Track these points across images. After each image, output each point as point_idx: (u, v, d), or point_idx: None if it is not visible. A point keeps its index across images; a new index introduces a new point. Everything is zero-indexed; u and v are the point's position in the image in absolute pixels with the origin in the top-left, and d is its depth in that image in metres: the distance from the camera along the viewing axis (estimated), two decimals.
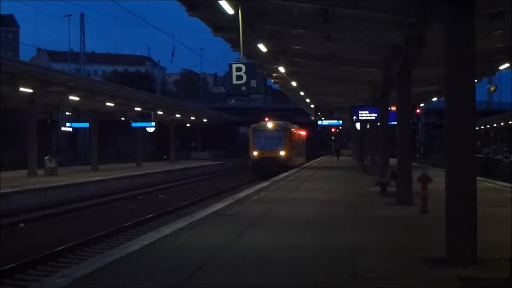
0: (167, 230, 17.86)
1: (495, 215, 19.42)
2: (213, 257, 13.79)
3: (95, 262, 13.27)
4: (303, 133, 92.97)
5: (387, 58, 27.75)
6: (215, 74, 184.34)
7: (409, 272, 11.93)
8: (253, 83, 21.53)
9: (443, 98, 41.47)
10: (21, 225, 28.18)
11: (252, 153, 68.85)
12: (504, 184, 36.63)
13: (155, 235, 16.91)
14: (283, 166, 64.41)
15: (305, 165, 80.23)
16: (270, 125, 71.47)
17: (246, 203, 26.47)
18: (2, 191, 34.05)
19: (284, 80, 46.34)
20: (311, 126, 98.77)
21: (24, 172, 50.47)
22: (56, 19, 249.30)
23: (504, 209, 22.08)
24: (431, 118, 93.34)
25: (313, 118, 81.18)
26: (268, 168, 63.99)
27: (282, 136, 69.92)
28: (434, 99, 56.13)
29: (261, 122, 76.24)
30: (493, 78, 65.17)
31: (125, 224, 27.04)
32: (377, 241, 15.81)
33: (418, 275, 11.72)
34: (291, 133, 72.04)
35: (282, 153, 67.32)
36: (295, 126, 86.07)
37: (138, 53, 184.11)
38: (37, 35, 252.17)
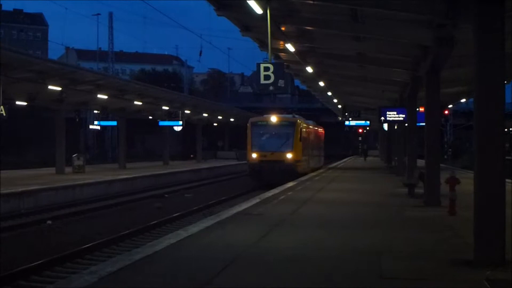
0: (194, 229, 17.85)
1: None
2: (239, 256, 13.77)
3: (122, 260, 13.28)
4: (319, 129, 72.55)
5: (415, 58, 27.56)
6: (242, 74, 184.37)
7: (436, 274, 11.83)
8: (281, 83, 21.33)
9: (471, 100, 41.56)
10: (49, 222, 28.34)
11: (251, 155, 51.05)
12: None
13: (182, 233, 16.91)
14: (290, 172, 47.00)
15: (333, 165, 75.37)
16: (273, 119, 52.40)
17: (272, 202, 26.45)
18: (31, 188, 34.29)
19: (311, 80, 46.19)
20: (338, 126, 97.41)
21: (52, 170, 50.73)
22: (85, 18, 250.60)
23: None
24: (460, 120, 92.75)
25: (340, 118, 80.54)
26: (271, 175, 47.10)
27: (290, 134, 51.12)
28: (463, 100, 55.68)
29: (263, 116, 58.14)
30: None
31: (152, 223, 27.10)
32: (404, 242, 15.73)
33: (445, 277, 11.62)
34: (301, 130, 53.08)
35: (289, 155, 49.35)
36: (310, 122, 67.23)
37: (166, 52, 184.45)
38: (65, 33, 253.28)
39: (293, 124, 51.19)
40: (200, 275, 11.76)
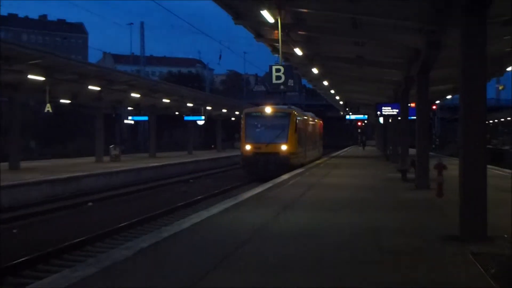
0: (214, 210, 17.84)
1: (503, 199, 19.21)
2: (255, 233, 13.78)
3: (153, 236, 13.30)
4: (317, 121, 63.75)
5: (408, 60, 27.61)
6: (256, 75, 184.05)
7: (427, 248, 11.86)
8: (290, 82, 21.41)
9: (456, 96, 41.39)
10: (90, 204, 28.47)
11: (244, 147, 43.14)
12: (511, 171, 36.46)
13: (205, 214, 16.92)
14: (284, 165, 40.13)
15: (335, 154, 73.93)
16: (268, 110, 44.31)
17: (283, 187, 26.45)
18: (74, 174, 34.37)
19: (317, 79, 46.14)
20: (340, 120, 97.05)
21: (92, 159, 50.88)
22: (120, 27, 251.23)
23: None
24: (446, 113, 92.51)
25: (342, 113, 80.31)
26: (265, 167, 40.36)
27: (285, 125, 43.16)
28: (449, 96, 55.53)
29: (258, 107, 49.96)
30: (501, 78, 64.78)
31: (178, 204, 27.13)
32: (399, 221, 15.74)
33: (435, 251, 11.63)
34: (297, 121, 44.60)
35: (283, 147, 41.73)
36: (310, 114, 60.25)
37: (190, 56, 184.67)
38: (103, 40, 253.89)
39: (288, 116, 42.93)
40: (222, 249, 11.81)
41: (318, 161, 51.79)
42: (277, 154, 40.29)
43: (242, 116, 44.45)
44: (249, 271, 10.03)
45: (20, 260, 15.27)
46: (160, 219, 23.43)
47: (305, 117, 50.66)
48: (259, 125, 42.77)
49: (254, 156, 40.63)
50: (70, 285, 8.89)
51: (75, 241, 17.89)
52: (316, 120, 61.53)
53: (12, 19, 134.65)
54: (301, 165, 42.27)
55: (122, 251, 11.51)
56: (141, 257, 11.10)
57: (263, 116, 43.20)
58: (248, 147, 41.08)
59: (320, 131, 66.08)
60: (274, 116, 42.97)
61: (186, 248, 12.18)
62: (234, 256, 11.24)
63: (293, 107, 48.97)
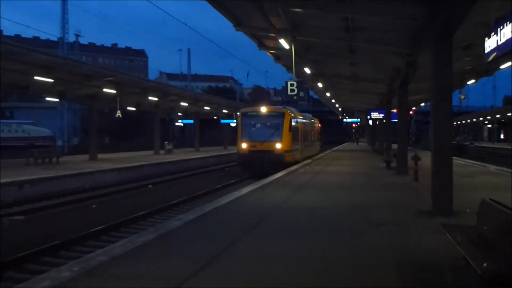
0: (244, 191, 17.91)
1: (465, 183, 19.13)
2: (275, 208, 13.85)
3: (198, 211, 13.34)
4: (313, 121, 53.57)
5: (391, 77, 27.67)
6: (275, 88, 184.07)
7: (407, 221, 11.82)
8: (301, 94, 21.56)
9: (428, 104, 40.95)
10: (150, 186, 28.58)
11: (240, 145, 36.38)
12: (471, 161, 36.68)
13: (237, 194, 16.97)
14: (278, 162, 33.25)
15: (335, 148, 71.89)
16: (263, 109, 37.64)
17: (296, 173, 26.44)
18: (138, 163, 34.56)
19: (321, 91, 46.03)
20: (339, 122, 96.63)
21: (151, 152, 51.08)
22: (172, 52, 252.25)
23: (472, 179, 21.95)
24: (420, 117, 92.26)
25: (340, 117, 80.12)
26: (260, 164, 33.72)
27: (279, 124, 36.24)
28: (422, 104, 55.26)
29: (253, 107, 42.04)
30: (462, 90, 64.67)
31: (217, 186, 27.12)
32: (383, 200, 15.67)
33: (413, 222, 11.63)
34: (291, 121, 37.10)
35: (278, 145, 34.82)
36: (307, 114, 51.25)
37: (225, 74, 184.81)
38: (159, 62, 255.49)
39: (282, 115, 35.21)
40: (252, 218, 11.87)
41: (321, 154, 49.85)
42: (271, 152, 32.75)
43: (238, 115, 36.80)
44: (272, 234, 10.11)
45: (101, 227, 15.37)
46: (203, 197, 23.42)
47: (301, 117, 41.67)
48: (254, 124, 35.47)
49: (249, 154, 33.07)
50: (136, 247, 8.95)
51: (139, 213, 18.00)
52: (313, 120, 51.77)
53: (91, 46, 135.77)
54: (296, 162, 34.50)
55: (174, 222, 11.59)
56: (190, 226, 11.16)
57: (258, 115, 35.54)
58: (244, 145, 33.61)
59: (318, 130, 56.36)
60: (269, 115, 35.35)
61: (224, 219, 12.26)
62: (261, 224, 11.32)
63: (288, 107, 40.27)
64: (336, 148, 73.04)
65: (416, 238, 9.86)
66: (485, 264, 5.60)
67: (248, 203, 14.93)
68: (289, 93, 21.28)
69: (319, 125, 58.67)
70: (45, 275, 7.21)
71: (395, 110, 32.67)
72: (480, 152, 66.94)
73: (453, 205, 12.45)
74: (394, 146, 31.70)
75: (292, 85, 21.17)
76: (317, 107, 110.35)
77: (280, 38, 19.08)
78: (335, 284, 7.11)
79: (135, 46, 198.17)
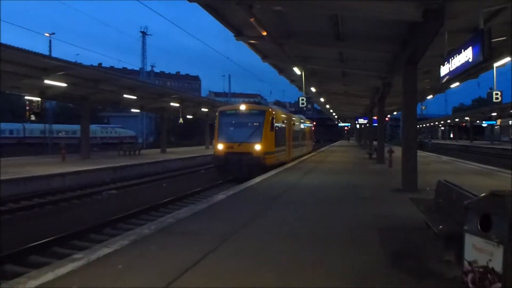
0: (266, 175, 17.91)
1: (425, 169, 18.85)
2: (291, 186, 13.78)
3: (237, 188, 13.39)
4: (303, 121, 38.21)
5: (372, 93, 27.39)
6: (290, 102, 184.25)
7: (384, 195, 11.70)
8: (309, 106, 21.63)
9: (399, 112, 40.47)
10: (202, 171, 28.51)
11: (216, 146, 23.52)
12: (429, 154, 36.08)
13: (263, 177, 16.99)
14: (258, 165, 21.81)
15: (332, 144, 71.88)
16: (242, 107, 24.53)
17: (304, 162, 26.34)
18: (192, 155, 34.72)
19: (322, 104, 45.72)
20: (335, 126, 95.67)
21: (202, 147, 51.27)
22: (218, 76, 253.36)
23: (429, 166, 21.65)
24: (393, 122, 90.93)
25: (336, 122, 79.57)
26: (237, 168, 22.38)
27: (259, 124, 23.18)
28: (395, 113, 54.65)
29: (232, 104, 31.18)
30: (424, 102, 64.28)
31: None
32: (367, 181, 15.51)
33: (389, 196, 11.50)
34: (273, 120, 23.53)
35: (257, 147, 22.37)
36: (299, 116, 37.33)
37: (254, 92, 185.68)
38: (209, 84, 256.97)
39: (262, 114, 23.95)
40: (274, 193, 11.86)
41: (314, 152, 45.16)
42: (250, 154, 22.16)
43: (216, 114, 25.03)
44: (289, 205, 10.07)
45: (169, 199, 15.22)
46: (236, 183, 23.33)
47: (287, 116, 28.38)
48: (232, 124, 24.19)
49: (226, 156, 22.44)
50: (194, 213, 9.01)
51: (195, 190, 18.04)
52: (303, 121, 37.96)
53: (162, 74, 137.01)
54: (281, 164, 24.24)
55: (220, 196, 11.63)
56: (231, 199, 11.20)
57: (237, 114, 24.16)
58: (220, 146, 22.82)
59: (309, 130, 42.67)
60: (248, 114, 23.87)
61: (255, 194, 12.23)
62: (281, 198, 11.29)
63: (272, 105, 31.07)
64: (332, 144, 72.67)
65: (390, 207, 9.77)
66: (440, 226, 5.57)
67: (271, 183, 14.89)
68: (300, 105, 21.37)
69: (312, 126, 46.22)
70: (131, 232, 7.32)
71: (375, 117, 32.40)
72: (435, 147, 66.26)
73: (417, 184, 12.30)
74: (375, 143, 31.40)
75: (302, 100, 21.24)
76: (319, 115, 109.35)
77: (294, 67, 19.05)
78: (330, 233, 7.14)
79: (192, 72, 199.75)
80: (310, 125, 43.01)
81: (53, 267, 5.31)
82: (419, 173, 12.77)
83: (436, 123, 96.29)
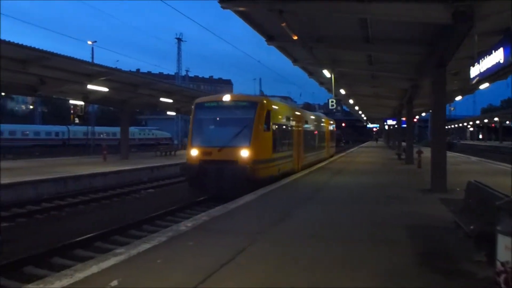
0: (299, 174, 17.84)
1: (454, 169, 18.41)
2: (323, 185, 13.70)
3: (274, 185, 13.38)
4: (320, 120, 27.89)
5: (401, 94, 26.89)
6: (319, 104, 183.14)
7: (413, 196, 11.47)
8: (338, 108, 21.52)
9: (427, 114, 39.64)
10: None
11: (189, 152, 14.51)
12: (458, 154, 35.19)
13: (293, 177, 16.93)
14: (245, 178, 13.39)
15: (361, 145, 71.27)
16: (226, 98, 14.89)
17: (334, 162, 26.12)
18: None
19: (351, 105, 45.17)
20: (364, 128, 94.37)
21: None
22: (249, 80, 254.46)
23: (459, 166, 21.14)
24: (421, 123, 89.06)
25: (365, 123, 78.56)
26: (216, 182, 13.68)
27: (250, 120, 14.12)
28: (423, 114, 53.49)
29: (214, 95, 17.59)
30: (452, 104, 62.81)
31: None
32: (396, 181, 15.29)
33: (417, 197, 11.27)
34: (270, 115, 14.89)
35: (244, 153, 13.67)
36: (318, 113, 31.83)
37: (284, 95, 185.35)
38: (241, 88, 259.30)
39: (253, 107, 14.62)
40: (308, 192, 11.81)
41: (352, 149, 46.59)
42: (234, 163, 14.13)
43: (192, 108, 16.19)
44: (319, 204, 10.02)
45: (202, 198, 14.87)
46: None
47: (294, 112, 19.84)
48: (211, 121, 15.80)
49: (201, 165, 14.40)
50: (228, 211, 9.06)
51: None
52: (322, 119, 29.16)
53: (196, 78, 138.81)
54: (285, 175, 16.64)
55: (251, 196, 11.58)
56: (260, 198, 11.21)
57: (218, 107, 15.62)
58: (194, 152, 14.80)
59: (330, 130, 32.63)
60: (234, 107, 15.37)
61: (288, 193, 12.20)
62: (311, 198, 11.22)
63: (269, 97, 18.98)
64: (361, 145, 71.65)
65: (419, 207, 9.57)
66: (472, 227, 5.42)
67: (304, 182, 14.84)
68: (330, 107, 21.30)
69: (333, 126, 35.83)
70: (169, 228, 7.43)
71: (404, 118, 31.88)
72: (464, 148, 64.56)
73: (446, 185, 12.01)
74: (403, 144, 30.90)
75: (332, 101, 21.18)
76: (348, 117, 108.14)
77: (324, 70, 18.92)
78: (360, 232, 7.06)
79: (225, 77, 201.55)
80: (331, 123, 33.54)
81: (97, 260, 5.46)
82: (448, 173, 12.47)
83: (465, 124, 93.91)
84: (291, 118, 18.79)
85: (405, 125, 28.90)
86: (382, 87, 25.67)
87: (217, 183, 13.96)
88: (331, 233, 7.13)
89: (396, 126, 39.58)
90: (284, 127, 17.43)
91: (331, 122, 33.91)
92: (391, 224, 7.81)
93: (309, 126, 23.28)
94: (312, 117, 25.45)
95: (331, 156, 31.82)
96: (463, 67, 14.67)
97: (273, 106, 16.06)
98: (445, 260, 5.63)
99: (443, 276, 5.04)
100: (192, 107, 15.88)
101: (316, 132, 25.57)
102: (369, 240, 6.68)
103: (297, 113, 20.40)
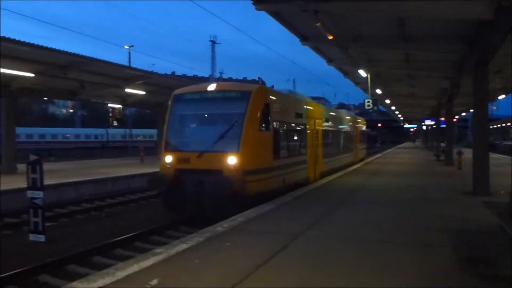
0: (334, 176, 17.69)
1: (497, 171, 17.78)
2: (358, 186, 13.58)
3: (312, 186, 13.34)
4: (348, 117, 24.31)
5: (440, 94, 26.30)
6: (354, 104, 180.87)
7: (454, 198, 11.20)
8: (374, 108, 21.24)
9: (468, 113, 38.64)
10: None
11: (163, 158, 10.72)
12: (501, 155, 34.12)
13: (330, 178, 16.81)
14: (232, 194, 9.58)
15: (399, 146, 70.12)
16: (211, 87, 10.88)
17: (371, 163, 25.76)
18: None
19: (388, 105, 44.42)
20: (401, 128, 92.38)
21: None
22: (283, 81, 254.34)
23: (502, 168, 20.40)
24: (461, 123, 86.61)
25: (401, 124, 77.05)
26: (195, 199, 10.09)
27: (240, 116, 10.18)
28: (463, 113, 52.04)
29: (194, 85, 13.12)
30: (494, 103, 61.03)
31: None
32: (435, 183, 14.96)
33: (458, 200, 10.97)
34: (269, 109, 10.85)
35: (231, 160, 9.84)
36: (342, 111, 24.78)
37: (319, 95, 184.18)
38: (275, 88, 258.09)
39: (245, 98, 10.42)
40: (343, 194, 11.72)
41: (389, 150, 45.99)
42: (217, 173, 10.05)
43: (169, 103, 11.72)
44: (357, 206, 9.96)
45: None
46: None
47: (306, 106, 15.09)
48: (191, 118, 11.55)
49: (177, 176, 10.55)
50: (263, 213, 9.08)
51: None
52: (349, 117, 24.95)
53: (230, 80, 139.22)
54: (295, 187, 12.83)
55: (287, 197, 11.51)
56: (295, 200, 11.18)
57: (201, 100, 11.15)
58: (168, 158, 10.80)
59: (359, 129, 27.79)
60: (221, 100, 10.93)
61: (323, 194, 12.13)
62: (348, 199, 11.15)
63: (285, 91, 14.44)
64: (398, 146, 70.31)
65: (461, 210, 9.31)
66: None
67: (338, 184, 14.72)
68: (366, 107, 21.11)
69: (363, 125, 30.90)
70: (206, 229, 7.53)
71: (443, 118, 31.13)
72: (507, 149, 62.34)
73: (489, 187, 11.65)
74: (442, 144, 30.13)
75: (368, 101, 21.00)
76: (384, 117, 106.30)
77: (359, 69, 18.72)
78: (399, 235, 6.93)
79: (258, 78, 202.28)
80: (360, 122, 29.20)
81: (137, 260, 5.61)
82: (491, 175, 12.09)
83: (508, 123, 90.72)
84: (304, 114, 14.70)
85: (444, 125, 28.19)
86: (420, 86, 25.15)
87: (195, 200, 10.39)
88: (369, 235, 7.05)
89: (434, 126, 38.63)
90: (293, 125, 13.64)
91: (360, 120, 28.99)
92: (432, 227, 7.63)
93: (331, 125, 19.32)
94: (335, 114, 21.06)
95: (361, 160, 27.69)
96: (506, 65, 14.19)
97: (274, 98, 11.91)
98: (487, 265, 5.47)
99: (485, 281, 4.90)
100: (169, 101, 11.84)
101: (341, 131, 21.54)
102: (409, 243, 6.56)
103: (312, 108, 16.18)
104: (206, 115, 11.48)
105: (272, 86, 12.59)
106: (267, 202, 10.34)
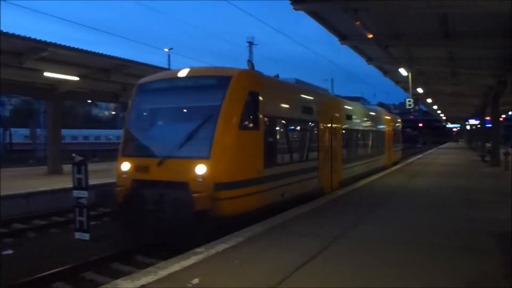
0: (373, 177, 17.40)
1: None
2: (398, 188, 13.34)
3: (343, 190, 13.16)
4: (379, 116, 21.05)
5: (485, 92, 25.42)
6: (393, 104, 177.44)
7: (501, 200, 10.80)
8: (415, 107, 20.85)
9: None
10: None
11: (119, 166, 7.96)
12: None
13: (370, 179, 16.56)
14: (203, 217, 6.87)
15: (441, 146, 67.76)
16: (182, 73, 7.92)
17: (412, 164, 25.21)
18: None
19: (429, 104, 43.22)
20: (443, 128, 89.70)
21: None
22: (321, 81, 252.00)
23: None
24: (507, 122, 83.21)
25: (444, 123, 74.86)
26: (154, 220, 7.14)
27: (213, 110, 7.43)
28: (510, 112, 50.00)
29: (164, 72, 10.27)
30: None
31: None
32: (481, 184, 14.52)
33: (501, 202, 10.54)
34: (258, 100, 7.88)
35: (200, 169, 7.14)
36: (375, 107, 23.37)
37: (358, 95, 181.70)
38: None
39: (223, 84, 7.59)
40: (383, 195, 11.54)
41: (431, 150, 44.81)
42: (182, 187, 7.33)
43: (132, 94, 9.04)
44: (398, 207, 9.78)
45: None
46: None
47: (319, 98, 11.80)
48: (154, 114, 8.74)
49: (133, 190, 7.81)
50: (299, 214, 9.06)
51: None
52: (379, 115, 21.73)
53: None
54: (297, 203, 9.64)
55: (321, 200, 11.28)
56: (329, 204, 11.07)
57: (170, 90, 8.33)
58: (125, 166, 8.11)
59: (391, 129, 24.16)
60: (193, 89, 8.04)
61: (362, 195, 12.00)
62: (388, 200, 10.99)
63: (291, 80, 11.11)
64: (440, 146, 68.31)
65: (508, 213, 8.95)
66: None
67: (377, 185, 14.48)
68: (407, 106, 20.73)
69: (399, 124, 27.86)
70: (245, 229, 7.55)
71: (488, 118, 30.06)
72: None
73: None
74: (487, 145, 29.07)
75: (409, 101, 20.62)
76: (425, 117, 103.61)
77: (400, 68, 18.35)
78: (443, 238, 6.75)
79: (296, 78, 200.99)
80: (394, 120, 26.02)
81: (179, 259, 5.73)
82: None
83: None
84: (316, 109, 11.54)
85: (489, 125, 27.17)
86: (463, 84, 24.42)
87: (154, 221, 7.66)
88: (412, 238, 6.91)
89: (479, 125, 37.33)
90: (297, 122, 10.76)
91: (393, 118, 25.87)
92: (477, 230, 7.41)
93: (355, 123, 16.09)
94: (360, 110, 17.70)
95: (395, 163, 24.78)
96: None
97: (266, 86, 9.02)
98: None
99: None
100: (132, 92, 9.35)
101: (368, 131, 18.41)
102: (453, 246, 6.39)
103: (328, 101, 13.15)
104: (172, 109, 8.61)
105: (277, 75, 10.24)
106: (302, 205, 9.82)
